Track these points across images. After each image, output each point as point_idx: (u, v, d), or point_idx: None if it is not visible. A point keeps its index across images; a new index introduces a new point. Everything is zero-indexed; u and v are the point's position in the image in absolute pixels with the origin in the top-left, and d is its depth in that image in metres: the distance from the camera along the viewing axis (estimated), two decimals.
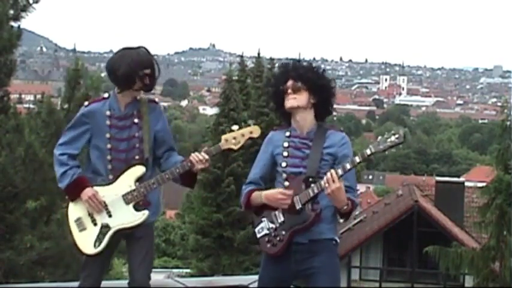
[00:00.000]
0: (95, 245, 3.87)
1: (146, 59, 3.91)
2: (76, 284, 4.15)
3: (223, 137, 3.92)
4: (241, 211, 23.59)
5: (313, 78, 3.82)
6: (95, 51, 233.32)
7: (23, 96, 66.58)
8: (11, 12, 9.91)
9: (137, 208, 3.89)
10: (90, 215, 3.90)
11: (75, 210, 3.94)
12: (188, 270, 25.59)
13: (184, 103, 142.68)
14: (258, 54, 30.04)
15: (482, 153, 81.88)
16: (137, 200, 3.89)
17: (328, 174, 3.59)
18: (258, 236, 3.87)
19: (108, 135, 3.92)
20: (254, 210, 3.86)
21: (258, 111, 26.86)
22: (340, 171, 3.61)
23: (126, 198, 3.88)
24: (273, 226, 3.80)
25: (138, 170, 3.91)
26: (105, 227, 3.88)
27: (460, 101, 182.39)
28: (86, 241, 3.89)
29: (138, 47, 3.97)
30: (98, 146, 3.94)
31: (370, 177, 73.22)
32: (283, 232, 3.77)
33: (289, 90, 3.81)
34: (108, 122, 3.93)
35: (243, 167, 24.76)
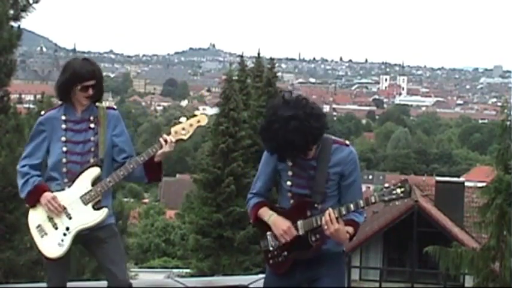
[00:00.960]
0: (58, 249, 3.92)
1: (87, 70, 3.95)
2: (76, 283, 4.17)
3: (172, 129, 3.97)
4: (241, 211, 23.59)
5: (317, 139, 3.62)
6: (95, 51, 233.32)
7: (23, 96, 66.58)
8: (11, 12, 9.92)
9: (96, 208, 3.94)
10: (51, 220, 3.95)
11: (35, 217, 3.99)
12: (188, 270, 25.57)
13: (184, 103, 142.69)
14: (258, 54, 30.02)
15: (482, 153, 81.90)
16: (95, 199, 3.93)
17: (327, 215, 3.54)
18: (262, 247, 3.88)
19: (63, 139, 3.98)
20: (261, 226, 3.85)
21: (258, 111, 26.81)
22: (343, 211, 3.58)
23: (84, 199, 3.93)
24: (277, 244, 3.78)
25: (94, 171, 3.96)
26: (66, 230, 3.93)
27: (460, 101, 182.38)
28: (49, 246, 3.94)
29: (83, 59, 4.05)
30: (54, 149, 3.99)
31: (370, 177, 73.19)
32: (286, 253, 3.77)
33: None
34: (63, 126, 4.00)
35: (243, 167, 24.76)
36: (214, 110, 31.78)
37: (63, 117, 4.00)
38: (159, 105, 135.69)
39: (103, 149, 3.98)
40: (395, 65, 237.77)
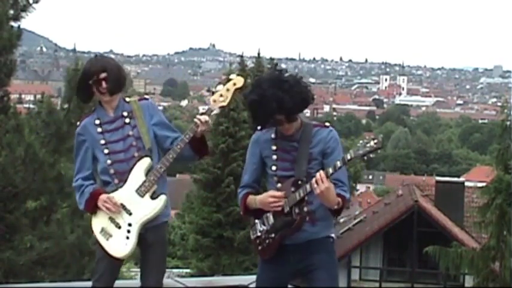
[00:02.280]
0: (124, 247, 3.91)
1: (95, 65, 3.95)
2: (76, 283, 4.18)
3: (212, 98, 3.96)
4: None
5: (300, 108, 3.74)
6: (95, 51, 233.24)
7: (23, 96, 66.36)
8: (11, 12, 9.91)
9: (153, 197, 3.92)
10: (113, 221, 3.94)
11: (97, 223, 3.99)
12: (188, 270, 25.58)
13: (184, 103, 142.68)
14: (258, 54, 30.05)
15: (482, 153, 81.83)
16: (150, 189, 3.91)
17: (317, 174, 3.60)
18: (252, 237, 3.93)
19: (102, 142, 3.96)
20: (253, 215, 3.90)
21: None
22: (330, 170, 3.62)
23: (140, 191, 3.90)
24: (264, 228, 3.84)
25: (144, 163, 3.93)
26: (129, 226, 3.91)
27: (460, 101, 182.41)
28: (116, 246, 3.92)
29: (94, 56, 4.07)
30: (98, 155, 3.99)
31: (370, 177, 73.19)
32: (272, 235, 3.81)
33: (285, 125, 3.76)
34: (99, 130, 3.98)
35: (243, 166, 24.73)
36: (214, 110, 31.78)
37: (97, 121, 3.99)
38: (159, 105, 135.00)
39: (148, 140, 3.95)
40: (395, 65, 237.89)
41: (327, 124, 3.89)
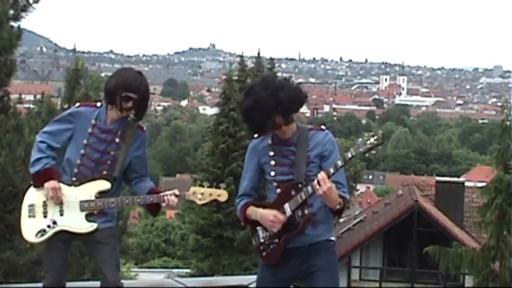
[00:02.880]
0: (36, 235, 3.96)
1: (136, 83, 3.93)
2: (76, 283, 4.17)
3: (192, 188, 4.03)
4: None
5: (296, 106, 3.75)
6: (95, 51, 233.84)
7: (23, 96, 66.61)
8: (11, 12, 9.92)
9: (88, 218, 3.97)
10: (44, 207, 3.98)
11: (32, 197, 4.01)
12: (188, 270, 25.57)
13: (184, 103, 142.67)
14: (258, 54, 30.03)
15: (482, 153, 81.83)
16: (91, 210, 3.97)
17: (319, 175, 3.60)
18: (254, 244, 3.93)
19: (85, 141, 3.98)
20: (253, 224, 3.90)
21: None
22: (331, 170, 3.63)
23: (83, 205, 3.96)
24: (267, 234, 3.84)
25: (104, 185, 3.98)
26: (53, 223, 3.96)
27: (460, 101, 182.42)
28: (31, 228, 3.97)
29: (138, 71, 4.06)
30: (73, 147, 4.01)
31: (370, 177, 73.18)
32: (276, 240, 3.81)
33: (283, 127, 3.76)
34: (90, 130, 3.99)
35: (243, 166, 24.72)
36: (214, 110, 31.79)
37: (93, 121, 4.00)
38: (159, 105, 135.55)
39: (120, 169, 4.01)
40: (395, 65, 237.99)
41: (323, 127, 3.89)
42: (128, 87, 3.89)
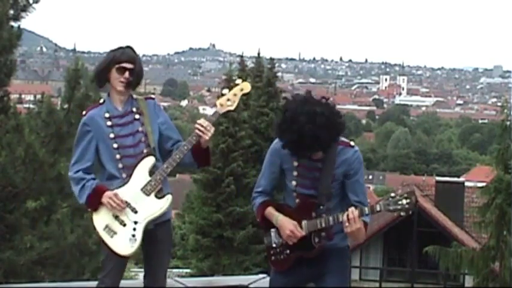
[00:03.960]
0: (130, 245, 3.89)
1: (126, 53, 3.94)
2: (76, 283, 4.17)
3: (218, 101, 3.96)
4: (241, 211, 23.61)
5: (336, 139, 3.68)
6: (95, 51, 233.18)
7: (23, 96, 66.57)
8: (11, 12, 9.91)
9: (159, 196, 3.91)
10: (117, 218, 3.90)
11: (100, 219, 3.93)
12: (188, 270, 25.56)
13: (184, 103, 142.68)
14: (258, 54, 30.00)
15: (482, 153, 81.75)
16: (156, 188, 3.90)
17: (350, 213, 3.56)
18: (265, 242, 3.90)
19: (112, 135, 3.92)
20: (268, 225, 3.86)
21: (258, 111, 26.85)
22: (366, 210, 3.61)
23: (146, 190, 3.89)
24: (280, 241, 3.80)
25: (149, 161, 3.92)
26: (135, 223, 3.89)
27: (460, 101, 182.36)
28: (121, 244, 3.89)
29: (127, 46, 4.04)
30: (105, 148, 3.94)
31: (370, 177, 73.13)
32: (288, 251, 3.79)
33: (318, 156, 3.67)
34: (109, 123, 3.94)
35: (243, 167, 24.75)
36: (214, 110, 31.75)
37: (107, 115, 3.95)
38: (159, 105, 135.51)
39: (153, 139, 3.95)
40: (395, 65, 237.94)
41: (352, 144, 3.81)
42: (118, 60, 3.90)
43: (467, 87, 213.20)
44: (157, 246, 3.99)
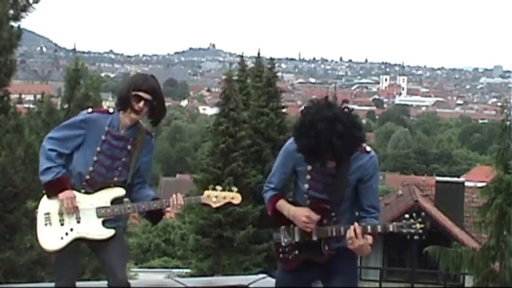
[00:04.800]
0: (54, 244, 3.94)
1: (147, 84, 3.92)
2: (76, 283, 4.16)
3: (206, 192, 4.03)
4: (241, 211, 23.59)
5: (353, 152, 3.55)
6: (95, 51, 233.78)
7: (23, 96, 66.59)
8: (11, 12, 9.92)
9: (105, 225, 3.97)
10: (60, 214, 3.97)
11: (47, 205, 4.01)
12: (188, 270, 25.55)
13: (184, 103, 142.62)
14: (258, 54, 29.99)
15: (482, 153, 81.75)
16: (108, 217, 3.97)
17: (352, 231, 3.54)
18: (274, 240, 3.89)
19: (98, 149, 3.96)
20: (279, 218, 3.84)
21: (258, 111, 26.84)
22: (369, 228, 3.58)
23: (99, 212, 3.96)
24: (290, 240, 3.79)
25: (119, 192, 4.01)
26: (70, 230, 3.94)
27: (460, 101, 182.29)
28: (48, 237, 3.95)
29: (151, 75, 4.05)
30: (85, 154, 3.97)
31: None
32: (297, 252, 3.78)
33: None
34: (103, 137, 3.97)
35: (243, 167, 24.75)
36: (214, 110, 31.76)
37: (107, 128, 3.96)
38: None
39: (131, 174, 4.02)
40: (395, 65, 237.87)
41: (368, 149, 3.70)
42: (137, 87, 3.88)
43: (467, 87, 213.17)
44: (109, 246, 4.01)
